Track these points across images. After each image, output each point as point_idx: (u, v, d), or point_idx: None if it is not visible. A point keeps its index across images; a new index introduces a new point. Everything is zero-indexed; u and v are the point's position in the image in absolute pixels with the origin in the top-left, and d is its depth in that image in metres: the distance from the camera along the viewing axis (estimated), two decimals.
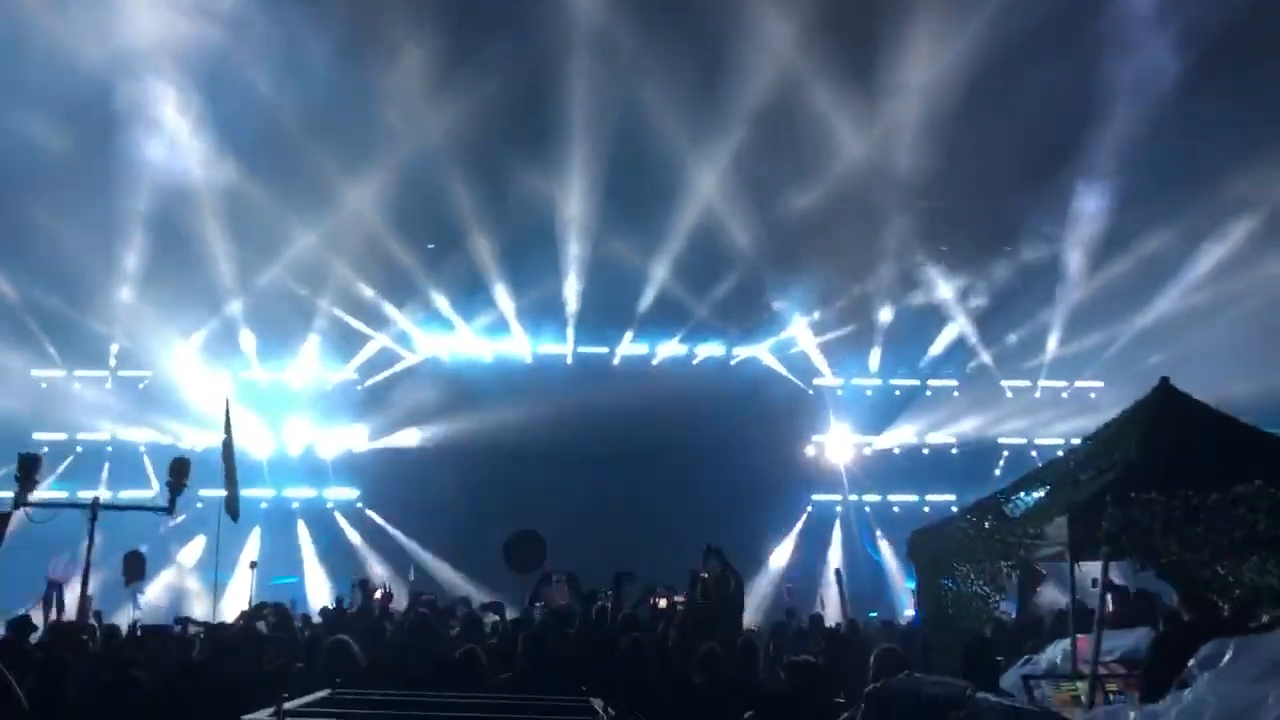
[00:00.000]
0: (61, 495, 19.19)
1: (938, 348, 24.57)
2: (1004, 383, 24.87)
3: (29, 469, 7.14)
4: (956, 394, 25.02)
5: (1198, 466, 6.26)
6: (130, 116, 18.58)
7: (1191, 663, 3.30)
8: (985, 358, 24.55)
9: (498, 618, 10.77)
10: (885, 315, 23.93)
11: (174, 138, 19.00)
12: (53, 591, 9.09)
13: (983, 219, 21.49)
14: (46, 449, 21.07)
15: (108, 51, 17.55)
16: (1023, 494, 7.72)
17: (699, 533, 23.35)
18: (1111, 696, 5.51)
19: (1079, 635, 6.59)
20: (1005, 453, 24.19)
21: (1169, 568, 6.59)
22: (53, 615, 9.31)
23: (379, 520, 23.99)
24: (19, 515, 6.98)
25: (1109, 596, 7.16)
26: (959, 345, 24.45)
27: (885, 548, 23.32)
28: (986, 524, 7.79)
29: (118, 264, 21.01)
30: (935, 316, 23.91)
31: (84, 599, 7.58)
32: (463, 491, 24.26)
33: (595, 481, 24.65)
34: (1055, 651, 7.16)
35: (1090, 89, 18.80)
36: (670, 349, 24.81)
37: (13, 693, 5.30)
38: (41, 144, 18.00)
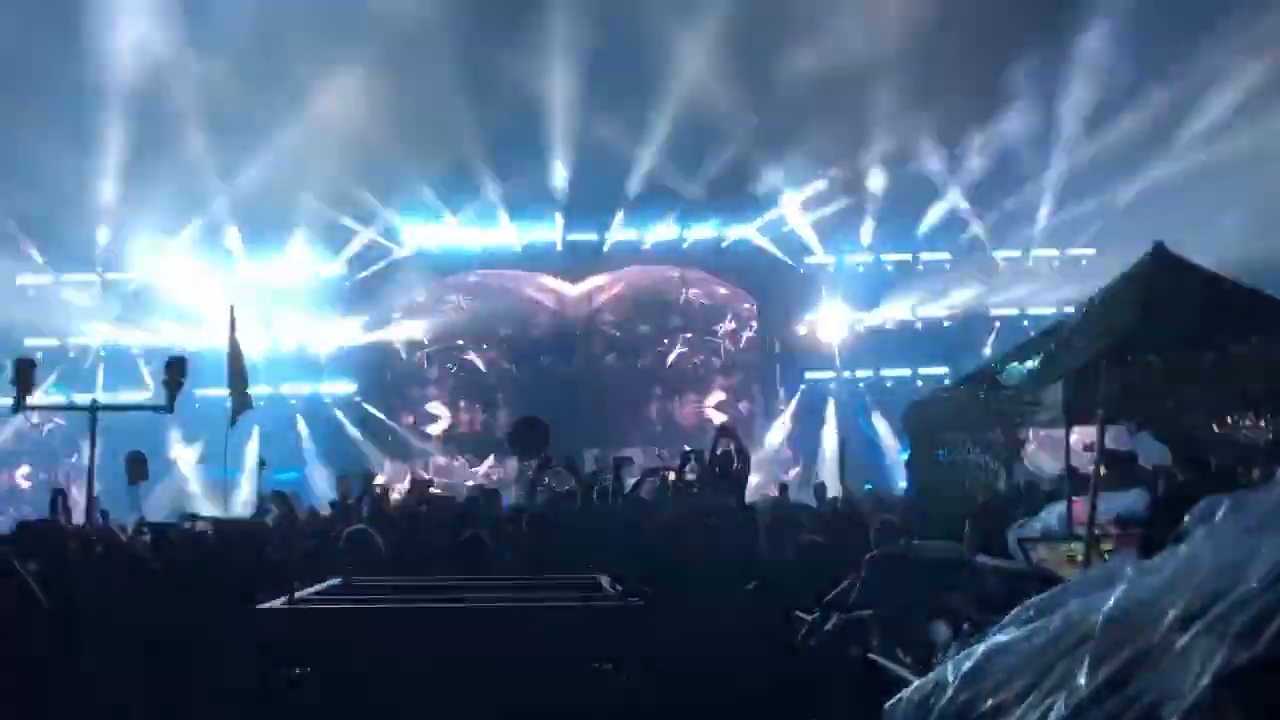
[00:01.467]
0: (59, 400, 19.52)
1: (930, 221, 24.38)
2: (996, 253, 24.78)
3: (25, 374, 7.12)
4: (949, 267, 24.93)
5: (1193, 328, 6.27)
6: (102, 13, 18.07)
7: (1187, 519, 3.34)
8: (978, 229, 24.41)
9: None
10: (876, 189, 23.68)
11: (150, 29, 18.50)
12: (58, 497, 9.16)
13: (973, 85, 21.05)
14: (40, 354, 21.11)
15: None
16: (1016, 363, 7.73)
17: (693, 414, 23.94)
18: (1107, 556, 5.62)
19: (1074, 498, 6.69)
20: (997, 324, 24.25)
21: (1164, 429, 6.66)
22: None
23: (377, 413, 24.20)
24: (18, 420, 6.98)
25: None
26: (951, 217, 24.28)
27: (879, 422, 23.57)
28: (980, 393, 7.84)
29: (99, 165, 20.67)
30: (927, 189, 23.64)
31: (90, 502, 7.65)
32: (455, 384, 24.50)
33: (589, 368, 24.89)
34: (1050, 515, 7.27)
35: None
36: (661, 232, 24.59)
37: (31, 591, 5.40)
38: (11, 51, 17.54)
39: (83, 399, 20.31)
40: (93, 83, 19.10)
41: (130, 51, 18.75)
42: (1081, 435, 7.17)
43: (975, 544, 6.06)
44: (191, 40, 18.84)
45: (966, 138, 22.69)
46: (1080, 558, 5.70)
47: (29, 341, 22.17)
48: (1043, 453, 12.15)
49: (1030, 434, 8.50)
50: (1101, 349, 6.37)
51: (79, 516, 9.09)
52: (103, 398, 19.91)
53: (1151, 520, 6.02)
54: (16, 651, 5.08)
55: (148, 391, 21.40)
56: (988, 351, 23.33)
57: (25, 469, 23.56)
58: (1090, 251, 24.16)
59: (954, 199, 23.78)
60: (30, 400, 7.30)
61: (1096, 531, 5.67)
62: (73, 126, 19.71)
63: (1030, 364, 7.50)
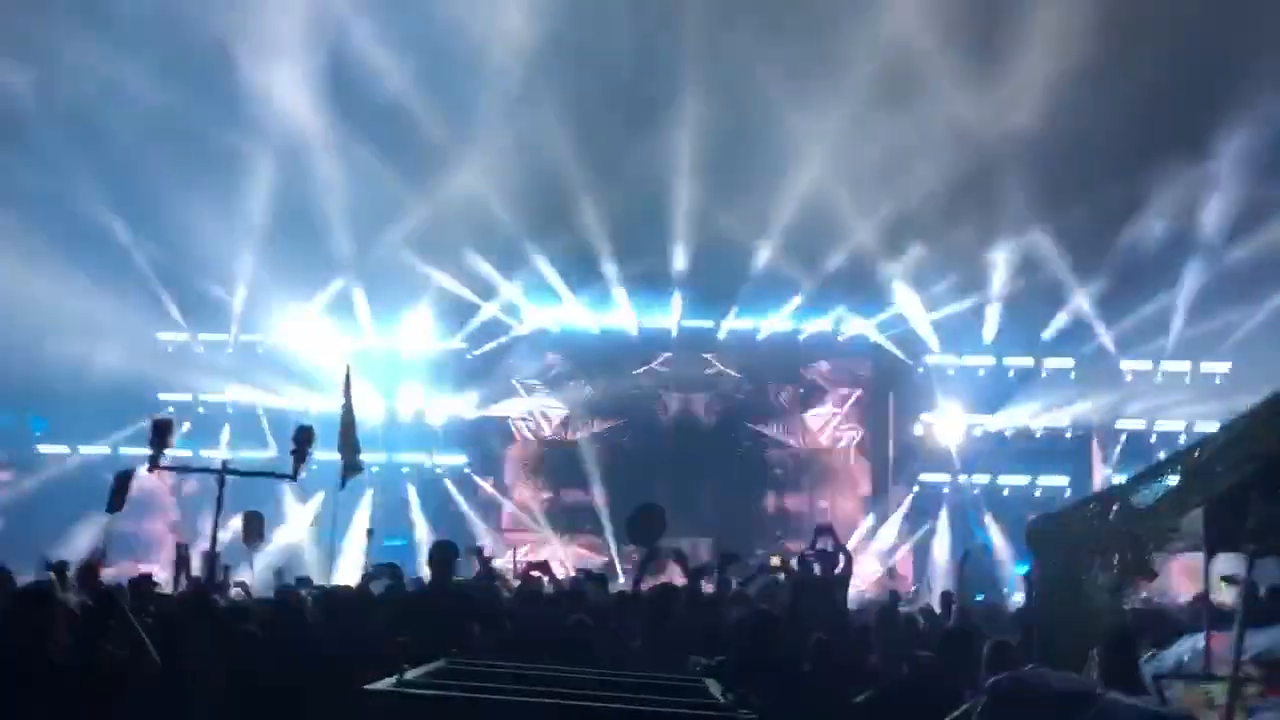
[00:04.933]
0: (186, 455, 20.31)
1: (1055, 326, 23.75)
2: (1124, 364, 23.95)
3: (163, 432, 7.42)
4: (1073, 375, 24.15)
5: None
6: (251, 87, 19.12)
7: None
8: (1105, 337, 23.65)
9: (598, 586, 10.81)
10: (1000, 292, 23.22)
11: (293, 108, 19.49)
12: (184, 551, 9.46)
13: (1106, 191, 20.57)
14: (172, 409, 22.06)
15: (230, 22, 18.11)
16: (1152, 484, 7.38)
17: (804, 511, 23.51)
18: (1249, 701, 5.26)
19: (1212, 633, 6.29)
20: (1123, 437, 23.38)
21: None
22: (183, 577, 9.68)
23: (485, 485, 24.48)
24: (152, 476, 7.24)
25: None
26: (1077, 323, 23.60)
27: (994, 530, 22.81)
28: (1112, 515, 7.49)
29: (239, 232, 21.73)
30: (1053, 292, 23.05)
31: (212, 558, 7.85)
32: (563, 462, 24.65)
33: (696, 455, 24.73)
34: (1183, 648, 6.85)
35: (1226, 48, 17.81)
36: (777, 323, 24.52)
37: (144, 647, 5.50)
38: (166, 115, 18.66)
39: (210, 454, 21.40)
40: (237, 149, 20.16)
41: (274, 120, 19.76)
42: (1220, 566, 6.78)
43: (1106, 676, 5.73)
44: (332, 117, 19.73)
45: (1097, 242, 22.11)
46: (1220, 701, 5.32)
47: (163, 395, 23.28)
48: (1173, 580, 11.58)
49: (1160, 560, 8.09)
50: (1247, 475, 6.03)
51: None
52: (227, 454, 20.71)
53: None
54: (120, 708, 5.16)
55: (269, 450, 22.09)
56: (1111, 466, 22.55)
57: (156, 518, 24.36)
58: (1225, 367, 23.19)
59: (1081, 304, 23.12)
60: (164, 459, 7.56)
61: (1240, 674, 5.30)
62: (217, 190, 20.78)
63: (1165, 485, 7.15)
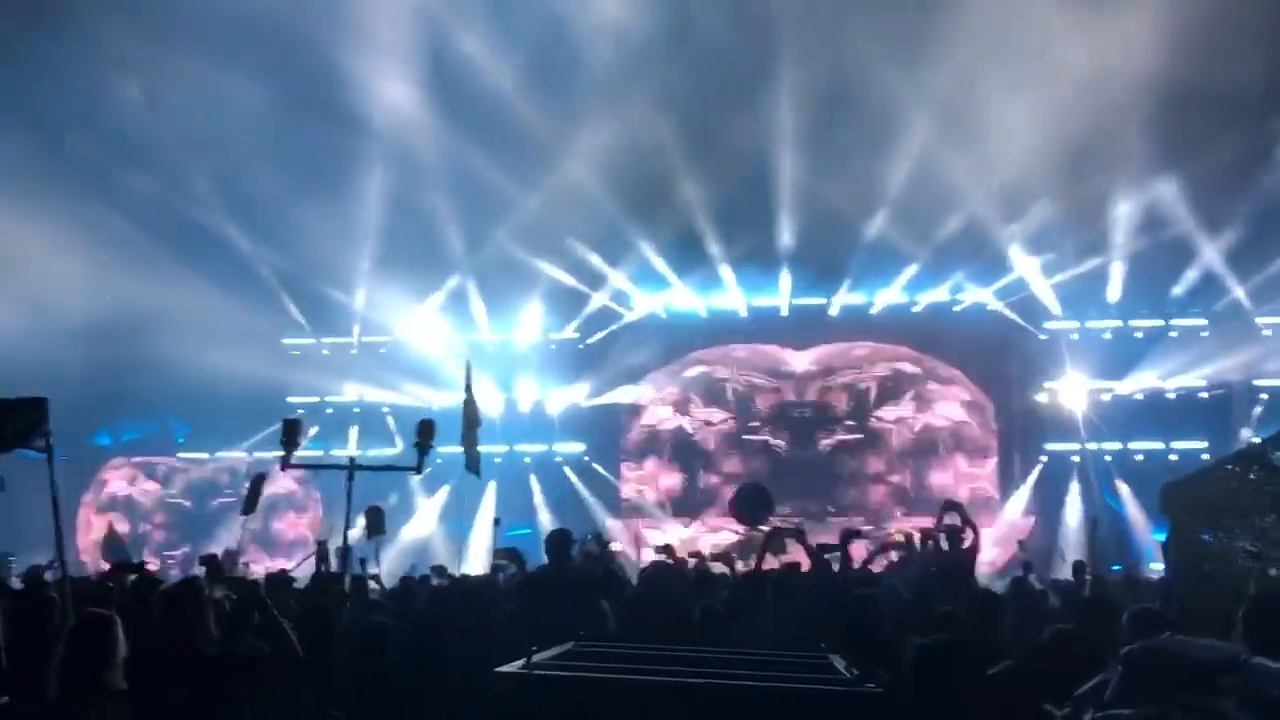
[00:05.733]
0: (318, 454, 21.13)
1: (1184, 284, 22.75)
2: (1260, 320, 22.78)
3: (292, 433, 7.73)
4: (1205, 334, 23.13)
5: None
6: (359, 89, 19.64)
7: None
8: (1239, 292, 22.53)
9: (726, 569, 10.85)
10: (1124, 251, 22.29)
11: (400, 108, 19.95)
12: (322, 548, 9.92)
13: (1232, 139, 19.49)
14: (301, 411, 22.93)
15: (336, 26, 18.64)
16: None
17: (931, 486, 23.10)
18: None
19: None
20: (1264, 396, 22.33)
21: None
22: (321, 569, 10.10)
23: (604, 473, 24.76)
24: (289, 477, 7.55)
25: None
26: (1208, 280, 22.55)
27: (1127, 497, 22.06)
28: (1252, 474, 7.19)
29: (356, 235, 22.38)
30: (1181, 249, 22.00)
31: (345, 552, 8.16)
32: (679, 447, 24.76)
33: (811, 436, 24.53)
34: None
35: None
36: (890, 296, 24.10)
37: (286, 637, 5.76)
38: (278, 122, 19.30)
39: (339, 453, 22.18)
40: (348, 152, 20.74)
41: (382, 121, 20.25)
42: None
43: (1253, 642, 5.50)
44: (437, 110, 20.11)
45: (1225, 193, 21.01)
46: None
47: (291, 398, 24.22)
48: None
49: None
50: None
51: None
52: (355, 453, 21.43)
53: None
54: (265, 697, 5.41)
55: (395, 448, 22.79)
56: (1250, 427, 21.55)
57: (291, 517, 25.42)
58: None
59: (1211, 260, 22.03)
60: (295, 458, 7.89)
61: None
62: (331, 195, 21.45)
63: None
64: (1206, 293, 22.82)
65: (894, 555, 10.96)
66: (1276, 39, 16.63)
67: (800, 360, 24.90)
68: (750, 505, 10.62)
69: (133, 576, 8.17)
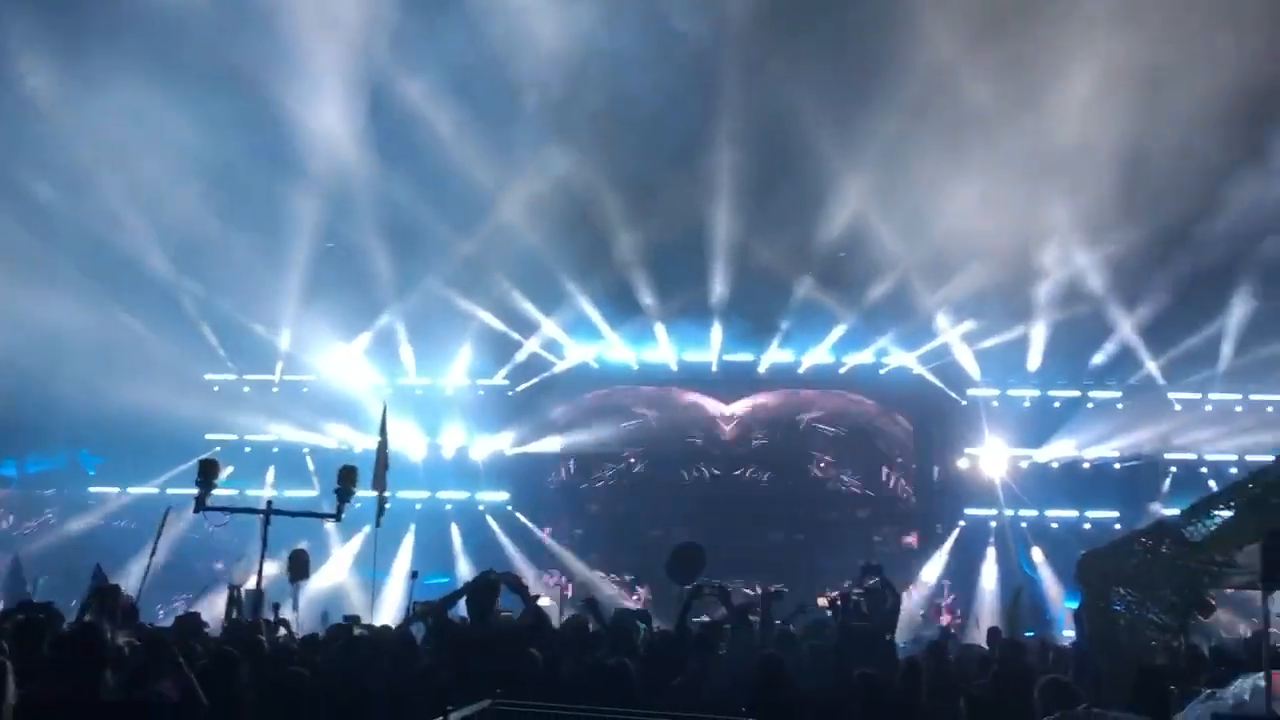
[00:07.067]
0: (233, 493, 20.52)
1: (1101, 357, 23.41)
2: (1172, 394, 23.54)
3: (209, 474, 7.51)
4: (1120, 406, 23.79)
5: None
6: (295, 128, 19.44)
7: None
8: (1152, 368, 23.27)
9: (644, 626, 10.74)
10: (1044, 323, 22.90)
11: (336, 149, 19.79)
12: (235, 592, 9.60)
13: (1151, 219, 20.24)
14: (219, 449, 22.38)
15: (273, 65, 18.48)
16: (1205, 517, 7.23)
17: (847, 546, 23.21)
18: None
19: (1275, 672, 6.12)
20: (1173, 469, 23.00)
21: None
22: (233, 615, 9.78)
23: (527, 523, 24.48)
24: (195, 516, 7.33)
25: None
26: (1124, 354, 23.24)
27: (1042, 564, 22.43)
28: (1165, 548, 7.35)
29: (284, 272, 22.01)
30: (1098, 323, 22.70)
31: (258, 597, 7.93)
32: (606, 498, 24.61)
33: (738, 493, 24.60)
34: (1243, 687, 6.67)
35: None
36: (818, 356, 24.38)
37: (192, 687, 5.55)
38: (210, 157, 19.03)
39: (256, 493, 21.61)
40: (281, 190, 20.49)
41: (317, 161, 20.05)
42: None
43: (1148, 711, 5.60)
44: (374, 153, 20.00)
45: (1143, 271, 21.75)
46: None
47: (210, 435, 23.59)
48: (1227, 616, 11.29)
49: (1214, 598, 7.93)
50: None
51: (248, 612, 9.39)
52: (273, 494, 20.93)
53: None
54: None
55: (314, 490, 22.32)
56: (1160, 499, 22.16)
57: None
58: (1277, 397, 22.76)
59: (1127, 335, 22.74)
60: (210, 499, 7.66)
61: None
62: (261, 231, 21.09)
63: (1219, 519, 7.01)
64: (1122, 366, 23.50)
65: (819, 616, 10.96)
66: (1196, 121, 17.31)
67: (729, 413, 25.05)
68: (681, 563, 10.57)
69: (20, 617, 7.77)
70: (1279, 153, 18.93)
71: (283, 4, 18.07)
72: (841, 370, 24.41)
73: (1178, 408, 23.44)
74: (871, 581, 9.88)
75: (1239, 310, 21.65)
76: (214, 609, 10.60)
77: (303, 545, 11.18)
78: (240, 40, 18.22)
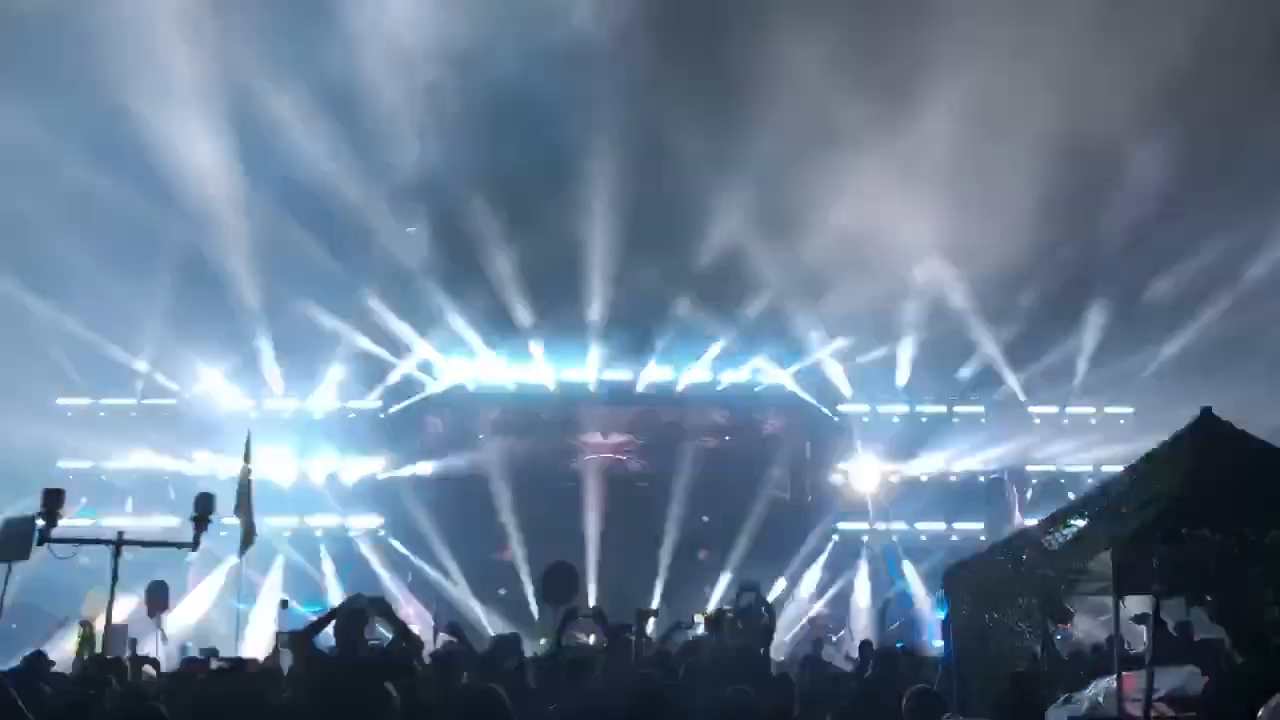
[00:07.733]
0: (87, 523, 19.46)
1: (966, 373, 24.27)
2: (1031, 409, 24.55)
3: (53, 504, 7.07)
4: (984, 421, 24.69)
5: (1244, 501, 6.06)
6: (157, 146, 18.76)
7: (1261, 713, 3.10)
8: (1013, 383, 24.25)
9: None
10: (912, 341, 23.66)
11: (200, 168, 19.15)
12: (87, 629, 9.08)
13: (1013, 241, 21.10)
14: (72, 476, 21.24)
15: (138, 85, 17.80)
16: (1061, 527, 7.49)
17: (723, 562, 23.33)
18: None
19: (1124, 674, 6.38)
20: (1034, 481, 23.92)
21: (1222, 608, 6.37)
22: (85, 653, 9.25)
23: (401, 549, 23.89)
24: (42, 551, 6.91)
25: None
26: (987, 371, 24.15)
27: (913, 576, 22.99)
28: (1024, 556, 7.58)
29: (145, 293, 21.14)
30: (963, 341, 23.59)
31: (109, 632, 7.50)
32: (483, 521, 24.21)
33: (617, 511, 24.50)
34: (1097, 690, 6.93)
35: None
36: (695, 374, 24.60)
37: None
38: (71, 177, 18.19)
39: (113, 522, 20.56)
40: (142, 210, 19.67)
41: (181, 180, 19.35)
42: (1130, 606, 6.89)
43: (1018, 717, 5.75)
44: (243, 179, 19.45)
45: (1003, 292, 22.67)
46: None
47: (62, 463, 22.34)
48: (1085, 621, 11.72)
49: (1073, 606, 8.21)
50: (1150, 519, 6.15)
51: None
52: (132, 522, 19.96)
53: (1208, 704, 5.73)
54: None
55: (176, 518, 21.37)
56: (1021, 510, 23.00)
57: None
58: (1129, 410, 23.93)
59: (990, 352, 23.68)
60: (56, 530, 7.21)
61: (1153, 715, 5.36)
62: (120, 251, 20.17)
63: (1075, 529, 7.26)
64: (985, 382, 24.38)
65: (693, 634, 10.97)
66: (1055, 150, 18.13)
67: (607, 430, 25.04)
68: (554, 585, 10.46)
69: None
70: (1132, 180, 19.97)
71: (144, 16, 17.45)
72: (719, 388, 24.66)
73: (1037, 421, 24.45)
74: (747, 599, 9.92)
75: (1093, 328, 22.72)
76: (64, 649, 9.98)
77: (160, 577, 10.65)
78: (95, 48, 17.47)
